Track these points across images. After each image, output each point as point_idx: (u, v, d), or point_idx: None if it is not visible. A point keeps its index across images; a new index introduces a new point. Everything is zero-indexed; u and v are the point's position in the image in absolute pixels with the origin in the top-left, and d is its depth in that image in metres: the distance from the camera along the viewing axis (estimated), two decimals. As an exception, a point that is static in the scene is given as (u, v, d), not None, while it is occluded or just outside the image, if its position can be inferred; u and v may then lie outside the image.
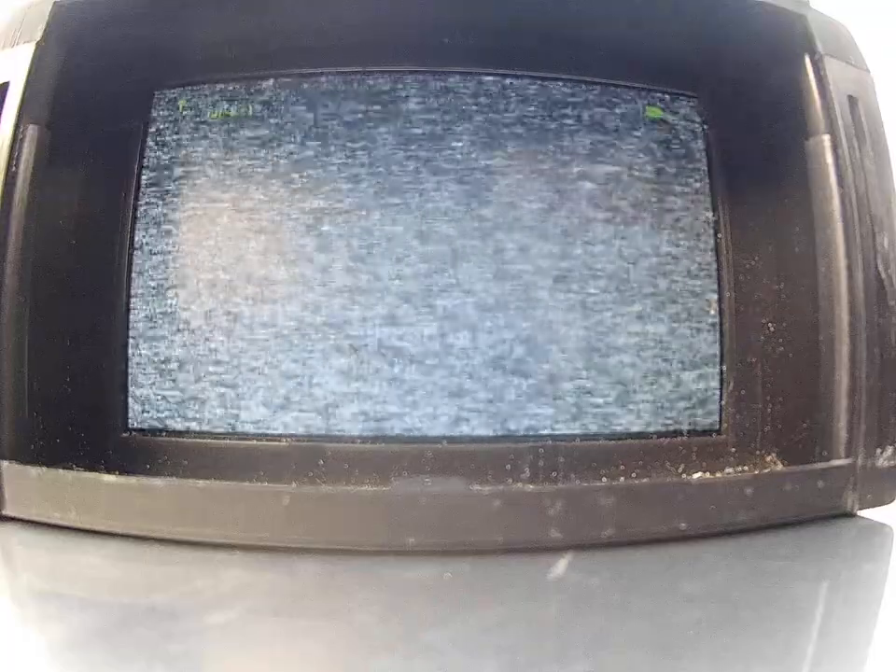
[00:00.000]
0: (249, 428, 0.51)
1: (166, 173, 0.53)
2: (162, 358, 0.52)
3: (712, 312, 0.53)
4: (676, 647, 0.29)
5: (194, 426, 0.52)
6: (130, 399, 0.52)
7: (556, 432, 0.51)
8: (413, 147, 0.53)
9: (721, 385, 0.53)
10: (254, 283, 0.52)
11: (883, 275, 0.44)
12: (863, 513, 0.44)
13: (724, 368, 0.53)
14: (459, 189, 0.52)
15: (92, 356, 0.51)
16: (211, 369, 0.52)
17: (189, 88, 0.54)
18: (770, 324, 0.52)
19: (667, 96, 0.55)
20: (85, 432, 0.50)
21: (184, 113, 0.53)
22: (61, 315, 0.49)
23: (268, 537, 0.37)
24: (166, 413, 0.52)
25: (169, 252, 0.52)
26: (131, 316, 0.52)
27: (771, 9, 0.45)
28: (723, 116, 0.54)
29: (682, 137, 0.54)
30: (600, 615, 0.32)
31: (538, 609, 0.33)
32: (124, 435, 0.52)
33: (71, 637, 0.29)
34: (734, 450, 0.53)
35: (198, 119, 0.53)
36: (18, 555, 0.40)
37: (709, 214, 0.54)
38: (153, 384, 0.52)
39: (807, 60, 0.46)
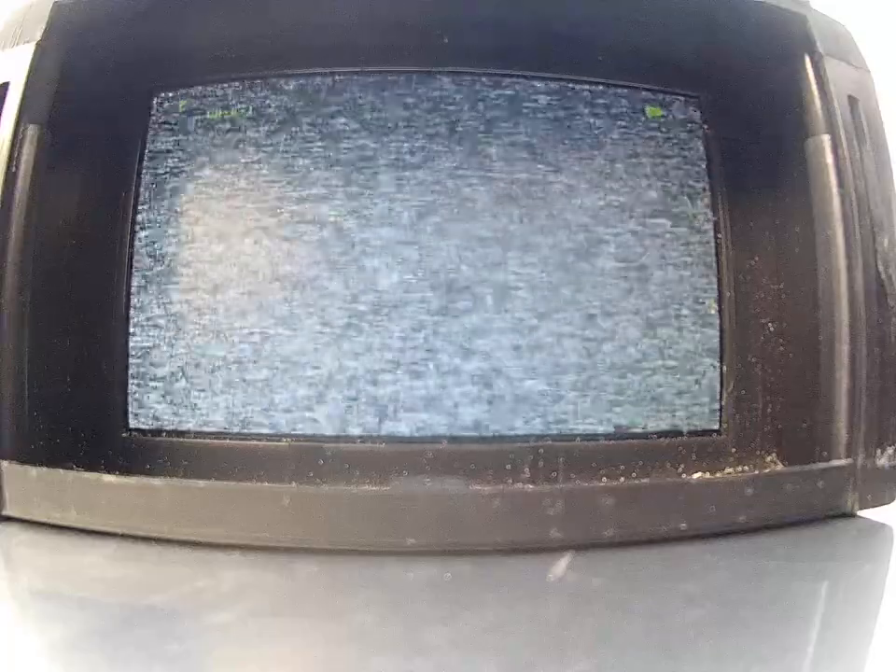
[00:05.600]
0: (249, 428, 0.51)
1: (166, 172, 0.53)
2: (163, 358, 0.52)
3: (712, 311, 0.53)
4: (676, 647, 0.29)
5: (194, 426, 0.52)
6: (130, 399, 0.52)
7: (556, 432, 0.51)
8: (413, 146, 0.53)
9: (721, 385, 0.53)
10: (255, 282, 0.52)
11: (883, 275, 0.44)
12: (863, 513, 0.44)
13: (724, 368, 0.53)
14: (458, 189, 0.52)
15: (92, 356, 0.51)
16: (211, 369, 0.52)
17: (190, 88, 0.54)
18: (770, 324, 0.52)
19: (668, 96, 0.55)
20: (85, 432, 0.50)
21: (184, 113, 0.53)
22: (61, 315, 0.49)
23: (268, 537, 0.37)
24: (166, 413, 0.52)
25: (169, 252, 0.52)
26: (131, 317, 0.52)
27: (771, 9, 0.45)
28: (723, 116, 0.54)
29: (682, 137, 0.54)
30: (600, 615, 0.32)
31: (538, 608, 0.33)
32: (124, 435, 0.52)
33: (71, 637, 0.29)
34: (734, 450, 0.53)
35: (198, 119, 0.53)
36: (18, 555, 0.40)
37: (709, 214, 0.54)
38: (153, 384, 0.52)
39: (807, 60, 0.46)
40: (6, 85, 0.43)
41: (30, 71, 0.43)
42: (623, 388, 0.52)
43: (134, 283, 0.52)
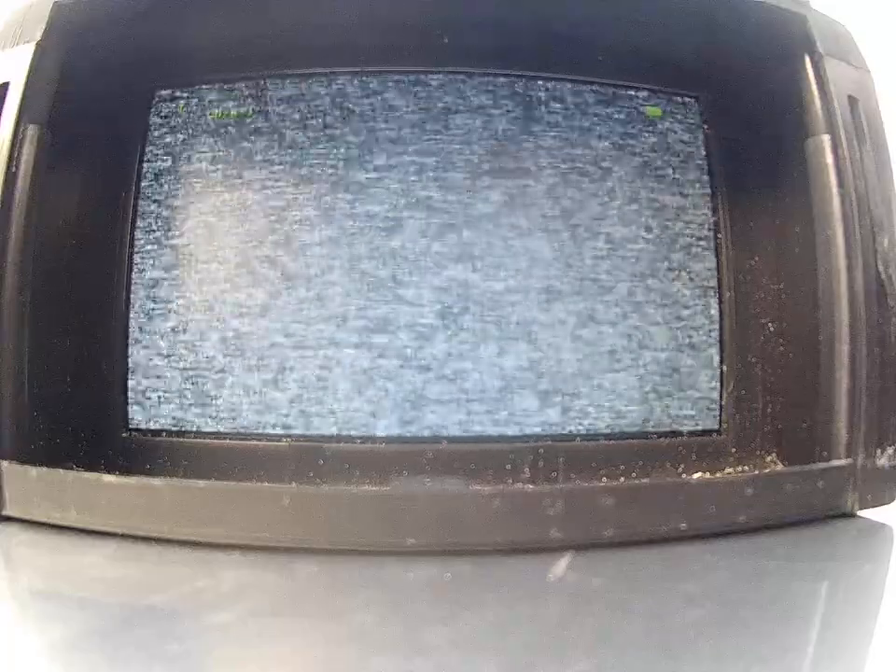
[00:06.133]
0: (249, 428, 0.51)
1: (166, 172, 0.53)
2: (162, 359, 0.52)
3: (712, 312, 0.53)
4: (676, 647, 0.29)
5: (194, 426, 0.52)
6: (130, 399, 0.52)
7: (556, 432, 0.51)
8: (413, 147, 0.53)
9: (721, 385, 0.53)
10: (254, 282, 0.52)
11: (883, 275, 0.44)
12: (863, 513, 0.44)
13: (724, 368, 0.53)
14: (457, 189, 0.52)
15: (92, 356, 0.51)
16: (211, 369, 0.52)
17: (189, 88, 0.54)
18: (770, 324, 0.52)
19: (668, 96, 0.55)
20: (85, 432, 0.50)
21: (184, 113, 0.53)
22: (61, 314, 0.49)
23: (268, 537, 0.37)
24: (166, 412, 0.52)
25: (169, 252, 0.52)
26: (131, 316, 0.52)
27: (771, 9, 0.45)
28: (723, 116, 0.54)
29: (682, 137, 0.54)
30: (600, 615, 0.32)
31: (538, 608, 0.33)
32: (124, 435, 0.52)
33: (71, 637, 0.29)
34: (734, 450, 0.53)
35: (198, 118, 0.53)
36: (18, 555, 0.40)
37: (709, 214, 0.54)
38: (153, 384, 0.52)
39: (807, 60, 0.46)
40: (6, 85, 0.43)
41: (30, 71, 0.43)
42: (623, 388, 0.52)
43: (134, 282, 0.52)
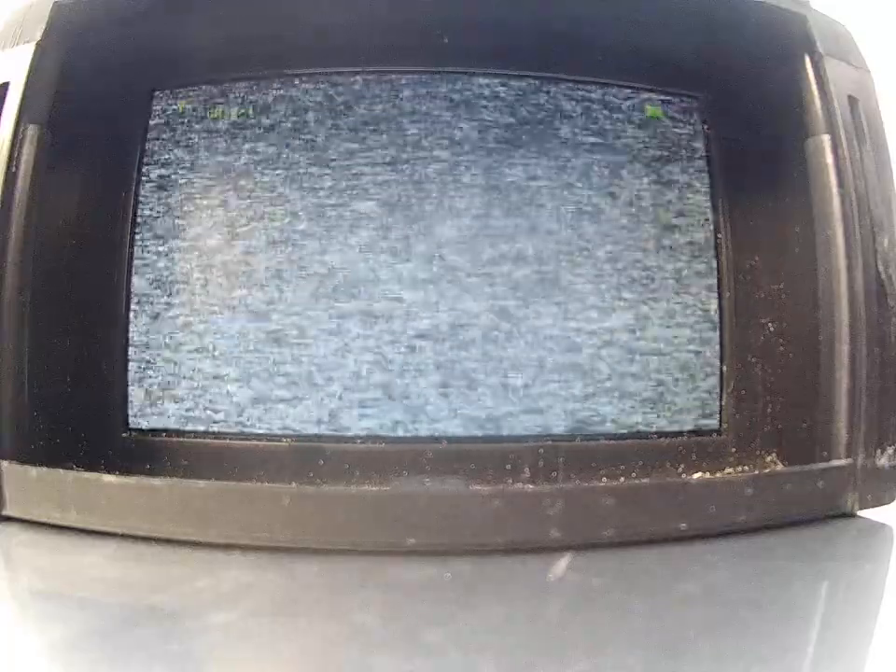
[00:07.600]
0: (249, 428, 0.51)
1: (166, 173, 0.53)
2: (162, 358, 0.52)
3: (712, 312, 0.53)
4: (676, 647, 0.29)
5: (194, 426, 0.52)
6: (130, 399, 0.52)
7: (556, 432, 0.51)
8: (412, 147, 0.53)
9: (721, 385, 0.53)
10: (254, 282, 0.52)
11: (883, 275, 0.44)
12: (863, 513, 0.44)
13: (724, 368, 0.53)
14: (458, 189, 0.52)
15: (92, 356, 0.51)
16: (211, 369, 0.52)
17: (190, 88, 0.54)
18: (770, 324, 0.52)
19: (668, 96, 0.55)
20: (85, 432, 0.50)
21: (184, 113, 0.53)
22: (61, 314, 0.49)
23: (268, 537, 0.37)
24: (166, 412, 0.52)
25: (169, 252, 0.52)
26: (131, 316, 0.52)
27: (771, 9, 0.45)
28: (723, 116, 0.54)
29: (682, 137, 0.54)
30: (600, 615, 0.32)
31: (538, 608, 0.33)
32: (124, 435, 0.52)
33: (71, 637, 0.29)
34: (734, 450, 0.53)
35: (198, 119, 0.53)
36: (18, 555, 0.40)
37: (709, 214, 0.54)
38: (153, 383, 0.52)
39: (807, 60, 0.46)
40: (6, 85, 0.43)
41: (30, 71, 0.43)
42: (623, 388, 0.52)
43: (134, 282, 0.52)
